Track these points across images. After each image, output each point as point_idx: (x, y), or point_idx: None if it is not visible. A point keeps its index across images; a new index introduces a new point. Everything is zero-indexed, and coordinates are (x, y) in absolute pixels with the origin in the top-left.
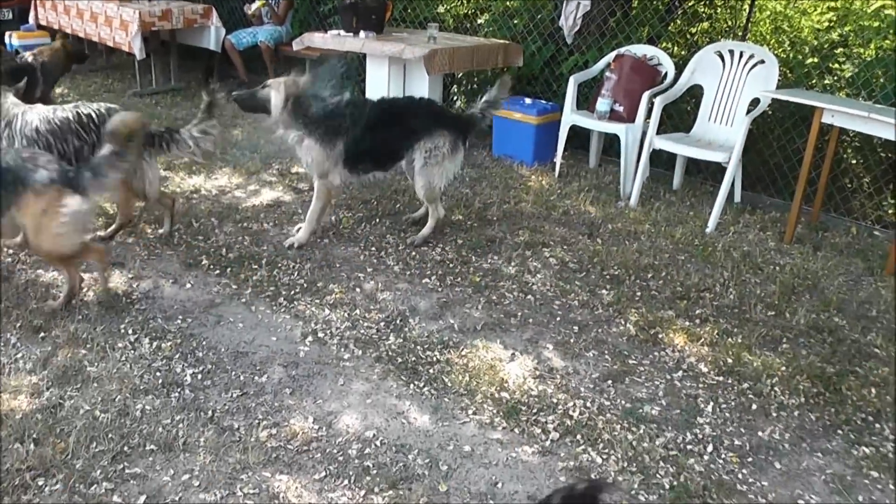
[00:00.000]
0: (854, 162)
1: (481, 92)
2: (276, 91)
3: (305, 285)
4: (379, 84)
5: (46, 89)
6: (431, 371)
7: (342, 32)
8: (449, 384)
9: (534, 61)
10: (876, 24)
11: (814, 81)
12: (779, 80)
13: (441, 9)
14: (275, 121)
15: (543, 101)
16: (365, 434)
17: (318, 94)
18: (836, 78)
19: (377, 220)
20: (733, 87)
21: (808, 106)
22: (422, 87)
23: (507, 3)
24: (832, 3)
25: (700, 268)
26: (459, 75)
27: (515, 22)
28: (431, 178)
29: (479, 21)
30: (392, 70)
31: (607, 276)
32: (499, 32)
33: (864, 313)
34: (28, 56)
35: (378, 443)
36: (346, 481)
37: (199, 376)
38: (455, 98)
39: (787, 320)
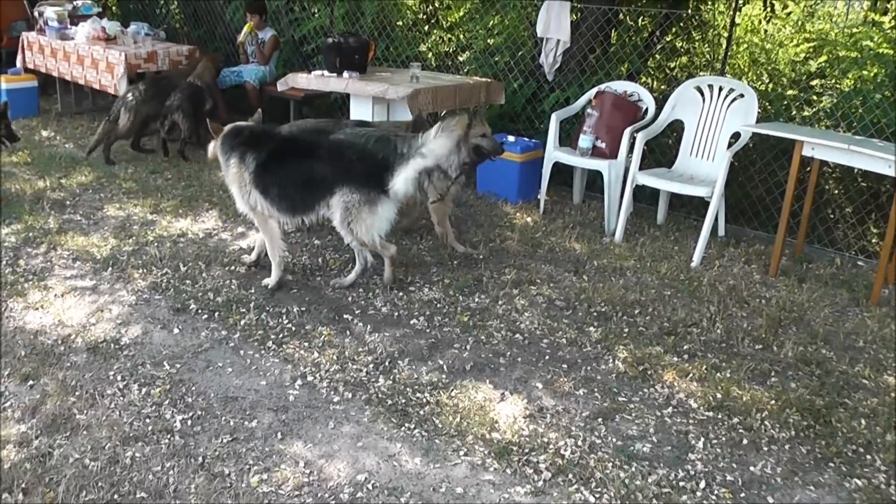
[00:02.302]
0: (836, 192)
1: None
2: None
3: (294, 328)
4: None
5: (214, 104)
6: (422, 413)
7: (326, 73)
8: (440, 425)
9: (516, 99)
10: (853, 54)
11: (793, 113)
12: (759, 113)
13: (423, 47)
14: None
15: (526, 139)
16: (356, 477)
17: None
18: (815, 109)
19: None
20: (714, 122)
21: (789, 139)
22: None
23: (489, 41)
24: (808, 35)
25: (686, 303)
26: (443, 113)
27: (497, 59)
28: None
29: (460, 59)
30: (376, 109)
31: (594, 313)
32: (480, 70)
33: (851, 344)
34: (196, 79)
35: (370, 486)
36: None
37: (189, 422)
38: None
39: (775, 353)
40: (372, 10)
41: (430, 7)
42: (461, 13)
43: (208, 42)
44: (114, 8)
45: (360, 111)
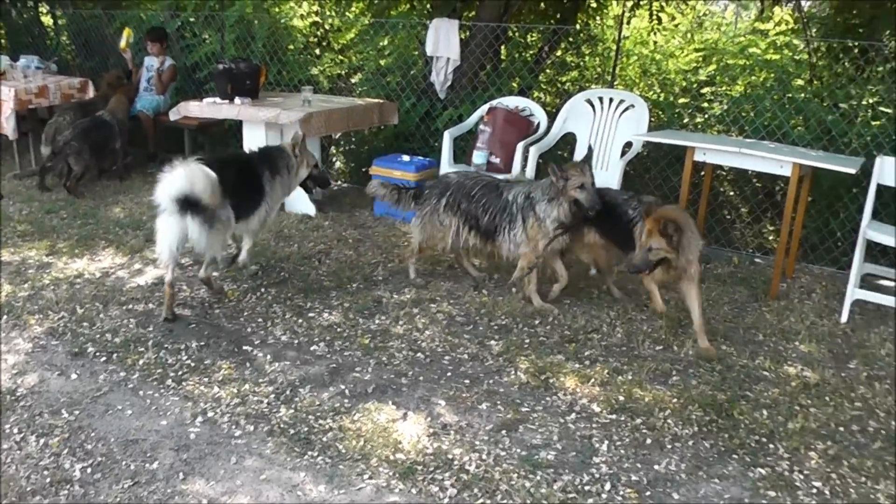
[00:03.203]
0: (731, 194)
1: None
2: None
3: (193, 364)
4: None
5: (124, 141)
6: (325, 439)
7: (218, 100)
8: (343, 451)
9: (409, 118)
10: (742, 61)
11: (686, 121)
12: (651, 122)
13: (315, 70)
14: None
15: (421, 157)
16: None
17: None
18: (707, 116)
19: (263, 290)
20: (606, 133)
21: (681, 145)
22: None
23: (380, 62)
24: (697, 45)
25: (586, 310)
26: (337, 136)
27: (389, 80)
28: None
29: (353, 81)
30: (269, 135)
31: (495, 327)
32: (373, 91)
33: (751, 338)
34: (105, 114)
35: None
36: None
37: (89, 470)
38: (334, 159)
39: (676, 353)
40: (262, 34)
41: (321, 30)
42: (352, 35)
43: (102, 73)
44: (2, 41)
45: (253, 137)
